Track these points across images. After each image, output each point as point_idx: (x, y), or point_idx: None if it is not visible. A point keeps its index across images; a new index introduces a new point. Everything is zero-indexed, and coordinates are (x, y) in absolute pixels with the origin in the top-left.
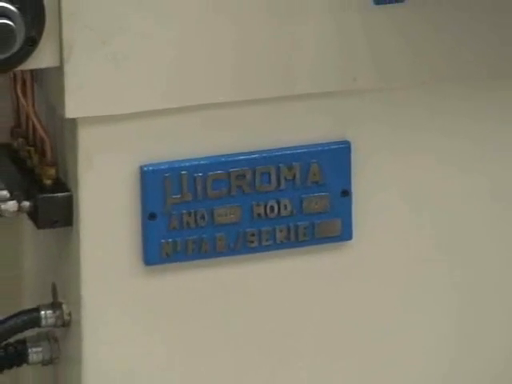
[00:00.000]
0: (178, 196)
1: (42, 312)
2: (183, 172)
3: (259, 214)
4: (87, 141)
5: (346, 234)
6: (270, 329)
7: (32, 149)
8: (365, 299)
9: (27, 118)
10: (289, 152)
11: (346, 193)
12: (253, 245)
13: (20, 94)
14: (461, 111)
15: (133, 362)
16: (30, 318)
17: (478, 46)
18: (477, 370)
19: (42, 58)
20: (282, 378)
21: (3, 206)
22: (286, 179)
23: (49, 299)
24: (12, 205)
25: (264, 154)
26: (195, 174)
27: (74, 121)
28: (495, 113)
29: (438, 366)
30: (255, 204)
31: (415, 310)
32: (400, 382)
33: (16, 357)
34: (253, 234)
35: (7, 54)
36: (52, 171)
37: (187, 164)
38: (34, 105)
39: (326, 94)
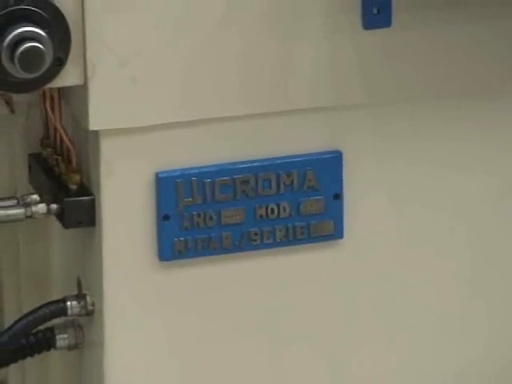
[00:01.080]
0: (189, 199)
1: (68, 303)
2: (194, 178)
3: (261, 216)
4: (108, 150)
5: (337, 233)
6: (270, 317)
7: (59, 157)
8: (355, 291)
9: (55, 130)
10: (287, 160)
11: (338, 196)
12: (255, 243)
13: (48, 109)
14: (437, 125)
15: (150, 346)
16: (58, 308)
17: (452, 67)
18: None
19: (68, 77)
20: (281, 356)
21: (34, 209)
22: (284, 184)
23: (74, 291)
24: (42, 207)
25: (265, 162)
26: (204, 180)
27: (96, 133)
28: (463, 127)
29: (424, 358)
30: (257, 206)
31: (399, 299)
32: (385, 371)
33: (45, 342)
34: (255, 233)
35: (37, 74)
36: (77, 177)
37: (197, 171)
38: (61, 119)
39: (321, 109)
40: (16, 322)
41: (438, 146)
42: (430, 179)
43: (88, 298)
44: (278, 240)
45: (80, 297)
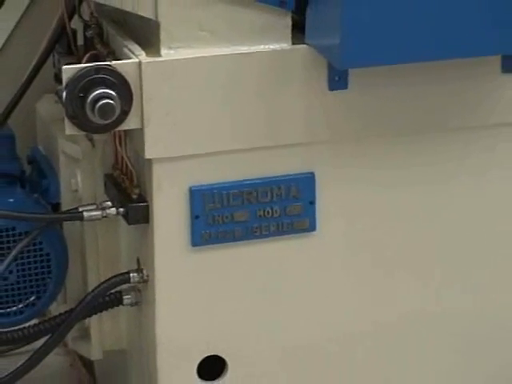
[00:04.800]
0: (212, 205)
1: (131, 274)
2: (215, 190)
3: (260, 216)
4: (158, 172)
5: (311, 228)
6: (266, 282)
7: (125, 177)
8: (323, 268)
9: (122, 158)
10: (278, 179)
11: (312, 203)
12: (256, 234)
13: (117, 144)
14: (385, 154)
15: (187, 304)
16: (124, 278)
17: (390, 115)
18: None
19: (130, 123)
20: (276, 309)
21: (108, 211)
22: (276, 195)
23: (135, 266)
24: (113, 210)
25: (263, 180)
26: (222, 192)
27: (150, 160)
28: (400, 157)
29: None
30: (258, 210)
31: (356, 277)
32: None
33: (115, 301)
34: (256, 228)
35: (110, 121)
36: (137, 190)
37: (218, 186)
38: (126, 150)
39: (300, 144)
40: (96, 287)
41: (379, 169)
42: (375, 191)
43: (144, 271)
44: (272, 232)
45: (139, 270)
